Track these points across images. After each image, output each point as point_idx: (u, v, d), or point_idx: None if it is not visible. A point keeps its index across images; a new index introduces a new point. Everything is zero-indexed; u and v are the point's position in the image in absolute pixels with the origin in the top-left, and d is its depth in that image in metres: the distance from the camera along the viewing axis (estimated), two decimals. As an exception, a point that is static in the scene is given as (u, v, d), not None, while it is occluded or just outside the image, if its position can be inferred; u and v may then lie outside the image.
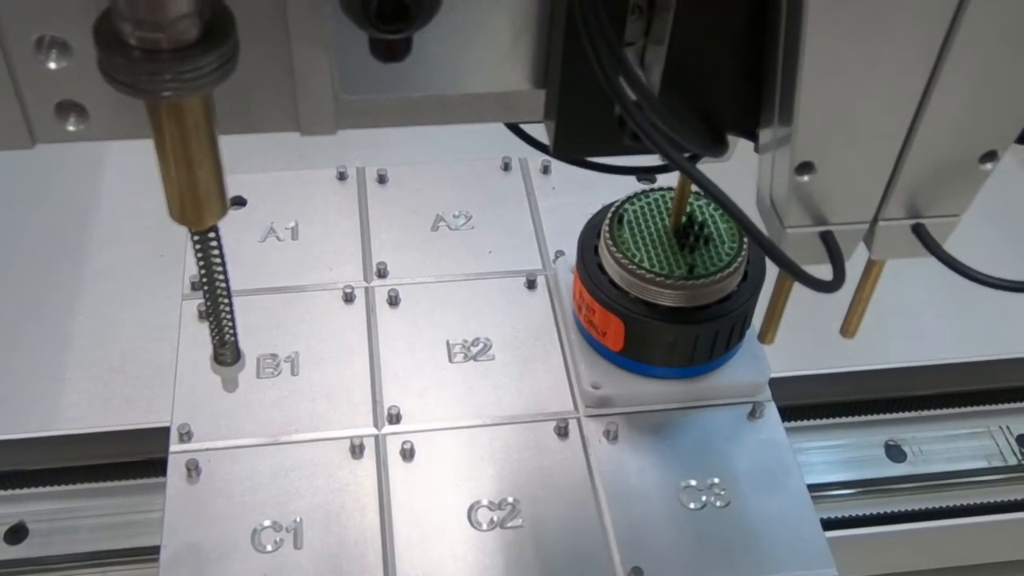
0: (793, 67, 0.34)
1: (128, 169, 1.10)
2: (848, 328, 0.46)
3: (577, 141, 0.38)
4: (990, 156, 0.38)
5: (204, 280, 0.41)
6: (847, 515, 0.69)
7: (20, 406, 0.86)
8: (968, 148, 0.37)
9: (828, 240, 0.39)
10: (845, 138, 0.36)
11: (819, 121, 0.35)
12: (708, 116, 0.37)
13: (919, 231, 0.40)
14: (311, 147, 1.05)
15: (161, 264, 0.98)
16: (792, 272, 0.37)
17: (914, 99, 0.35)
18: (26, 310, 0.94)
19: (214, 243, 0.39)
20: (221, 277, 0.41)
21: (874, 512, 0.70)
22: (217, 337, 0.44)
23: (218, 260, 0.40)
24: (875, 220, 0.40)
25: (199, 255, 0.40)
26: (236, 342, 0.45)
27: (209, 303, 0.42)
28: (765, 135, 0.38)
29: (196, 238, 0.39)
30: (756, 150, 0.42)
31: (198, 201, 0.35)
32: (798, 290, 0.44)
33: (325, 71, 0.35)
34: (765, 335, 0.47)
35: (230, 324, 0.44)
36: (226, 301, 0.42)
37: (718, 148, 0.38)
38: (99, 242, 1.02)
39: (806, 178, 0.37)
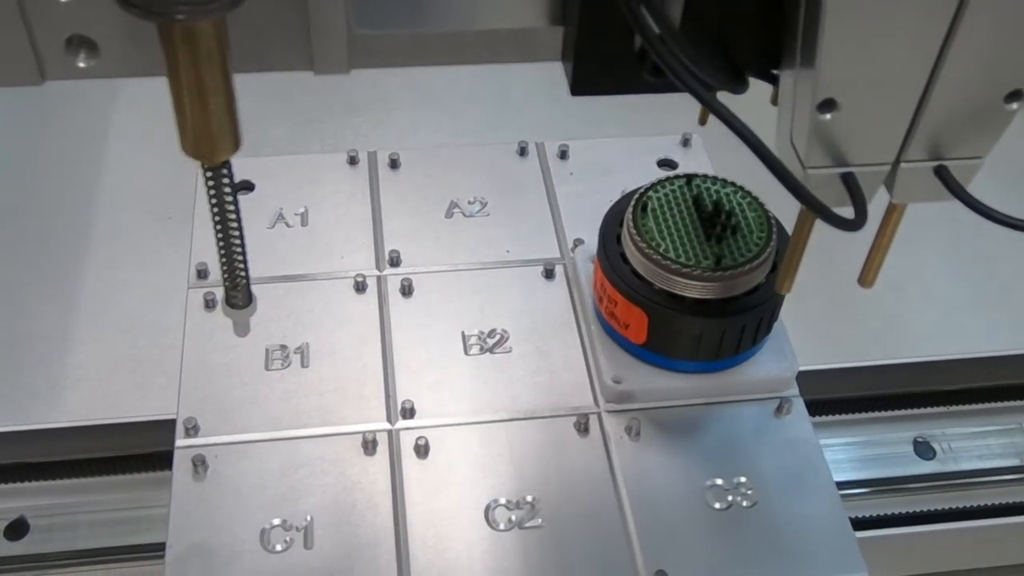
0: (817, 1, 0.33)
1: (135, 130, 1.10)
2: (866, 277, 0.45)
3: (596, 80, 0.37)
4: (1016, 95, 0.37)
5: (216, 219, 0.40)
6: (874, 515, 0.67)
7: (28, 366, 0.86)
8: (993, 86, 0.37)
9: (849, 181, 0.39)
10: (868, 74, 0.35)
11: (843, 56, 0.34)
12: (728, 57, 0.37)
13: (942, 173, 0.39)
14: (323, 116, 1.05)
15: (169, 226, 0.97)
16: (816, 209, 0.37)
17: (939, 34, 0.34)
18: (34, 272, 0.95)
19: (226, 180, 0.39)
20: (233, 216, 0.40)
21: (902, 511, 0.68)
22: (229, 279, 0.43)
23: (231, 198, 0.40)
24: (897, 162, 0.39)
25: (211, 192, 0.39)
26: (248, 284, 0.44)
27: (221, 243, 0.42)
28: (786, 75, 0.37)
29: (209, 174, 0.38)
30: (772, 100, 0.40)
31: (211, 133, 0.35)
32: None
33: (340, 7, 0.34)
34: (782, 284, 0.45)
35: (242, 265, 0.43)
36: (238, 241, 0.42)
37: (739, 84, 0.37)
38: (106, 204, 1.02)
39: (828, 116, 0.36)
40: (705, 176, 0.56)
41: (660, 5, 0.32)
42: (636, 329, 0.54)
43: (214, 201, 0.40)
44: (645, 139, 0.69)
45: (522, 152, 0.69)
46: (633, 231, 0.53)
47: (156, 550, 0.66)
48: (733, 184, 0.55)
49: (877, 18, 0.33)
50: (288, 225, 0.65)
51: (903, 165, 0.39)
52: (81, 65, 0.35)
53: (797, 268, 0.44)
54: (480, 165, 0.68)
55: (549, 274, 0.62)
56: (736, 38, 0.36)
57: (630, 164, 0.67)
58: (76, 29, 0.34)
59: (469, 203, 0.66)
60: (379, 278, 0.62)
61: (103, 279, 0.94)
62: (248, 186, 0.66)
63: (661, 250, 0.52)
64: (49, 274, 0.94)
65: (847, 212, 0.38)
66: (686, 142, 0.69)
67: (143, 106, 1.12)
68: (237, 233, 0.41)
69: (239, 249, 0.42)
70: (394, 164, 0.68)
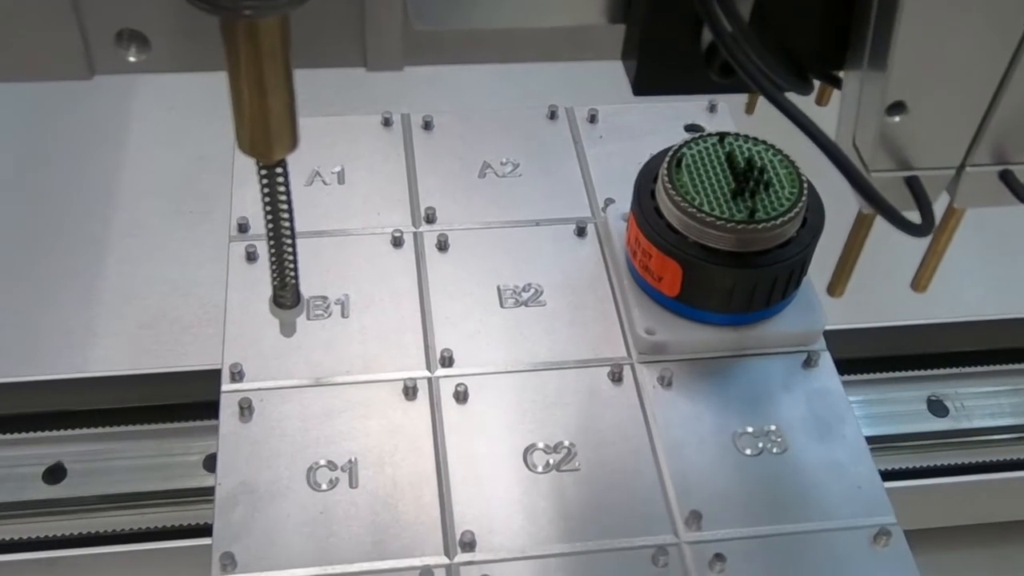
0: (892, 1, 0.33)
1: (155, 125, 1.10)
2: (920, 282, 0.44)
3: (659, 79, 0.37)
4: None
5: (269, 218, 0.39)
6: (889, 468, 0.69)
7: (49, 361, 0.86)
8: None
9: (914, 185, 0.38)
10: (940, 76, 0.35)
11: (915, 58, 0.34)
12: (793, 56, 0.36)
13: (1007, 178, 0.39)
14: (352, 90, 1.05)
15: (188, 220, 0.97)
16: (884, 212, 0.36)
17: (1015, 34, 0.34)
18: (55, 267, 0.95)
19: (281, 179, 0.38)
20: (286, 216, 0.39)
21: (915, 466, 0.70)
22: (278, 279, 0.43)
23: (284, 198, 0.39)
24: (962, 166, 0.39)
25: (265, 190, 0.38)
26: (297, 284, 0.43)
27: (272, 243, 0.41)
28: (852, 77, 0.37)
29: (264, 172, 0.37)
30: (816, 101, 0.41)
31: (269, 131, 0.34)
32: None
33: (397, 1, 0.34)
34: (835, 288, 0.45)
35: (292, 265, 0.42)
36: (289, 241, 0.41)
37: (805, 85, 0.37)
38: (126, 198, 1.02)
39: (897, 119, 0.36)
40: (737, 134, 0.57)
41: (732, 2, 0.32)
42: (670, 282, 0.56)
43: (267, 200, 0.39)
44: (672, 104, 0.71)
45: (552, 116, 0.71)
46: (668, 186, 0.55)
47: (189, 495, 0.67)
48: (764, 142, 0.57)
49: (952, 19, 0.33)
50: (325, 183, 0.66)
51: (968, 169, 0.39)
52: (131, 59, 0.34)
53: (851, 274, 0.44)
54: (511, 128, 0.70)
55: (581, 232, 0.63)
56: (801, 38, 0.36)
57: (658, 128, 0.69)
58: (126, 23, 0.33)
59: (501, 164, 0.68)
60: (415, 234, 0.63)
61: (123, 273, 0.94)
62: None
63: (696, 203, 0.54)
64: (69, 269, 0.94)
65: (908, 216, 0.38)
66: (712, 108, 0.71)
67: (161, 100, 1.11)
68: (289, 232, 0.40)
69: (291, 250, 0.41)
70: (427, 126, 0.70)
